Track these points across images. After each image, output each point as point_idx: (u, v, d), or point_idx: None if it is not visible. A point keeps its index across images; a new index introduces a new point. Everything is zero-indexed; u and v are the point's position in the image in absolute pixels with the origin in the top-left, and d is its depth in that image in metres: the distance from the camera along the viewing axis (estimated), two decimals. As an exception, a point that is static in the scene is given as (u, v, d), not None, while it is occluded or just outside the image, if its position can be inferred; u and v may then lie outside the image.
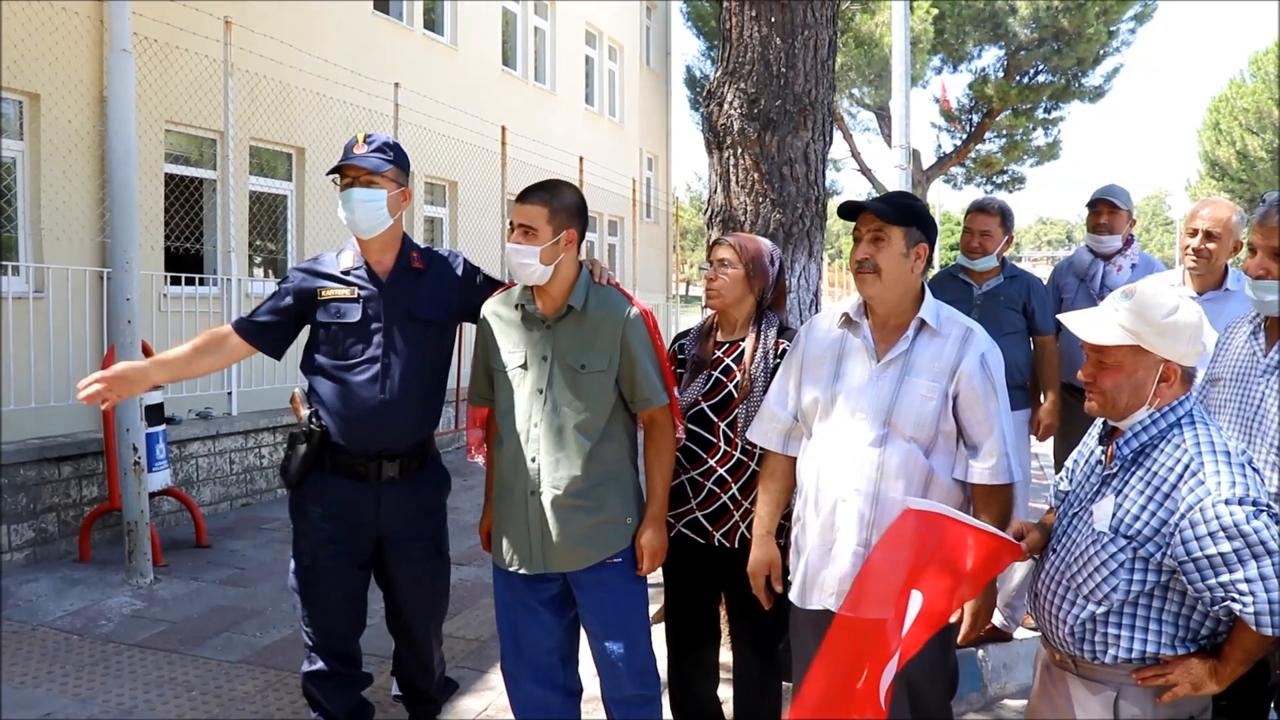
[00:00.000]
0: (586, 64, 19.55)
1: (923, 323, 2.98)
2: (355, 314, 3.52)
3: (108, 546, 6.63)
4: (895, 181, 11.03)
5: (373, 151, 3.51)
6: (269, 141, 10.53)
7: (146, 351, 6.51)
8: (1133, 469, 2.47)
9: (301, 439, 3.55)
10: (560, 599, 3.33)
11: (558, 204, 3.20)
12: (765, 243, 3.57)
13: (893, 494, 2.90)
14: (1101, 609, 2.44)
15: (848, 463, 2.97)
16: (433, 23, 14.37)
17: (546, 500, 3.21)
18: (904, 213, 2.95)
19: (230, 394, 8.44)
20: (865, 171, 25.14)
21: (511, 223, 3.20)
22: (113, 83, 5.94)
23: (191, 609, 5.66)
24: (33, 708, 4.36)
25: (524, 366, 3.26)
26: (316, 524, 3.60)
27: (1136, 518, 2.39)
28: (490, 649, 5.07)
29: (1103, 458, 2.61)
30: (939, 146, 26.07)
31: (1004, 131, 25.19)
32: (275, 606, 5.68)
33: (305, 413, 3.58)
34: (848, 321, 3.10)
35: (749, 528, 3.37)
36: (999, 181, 26.44)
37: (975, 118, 24.83)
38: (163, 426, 6.69)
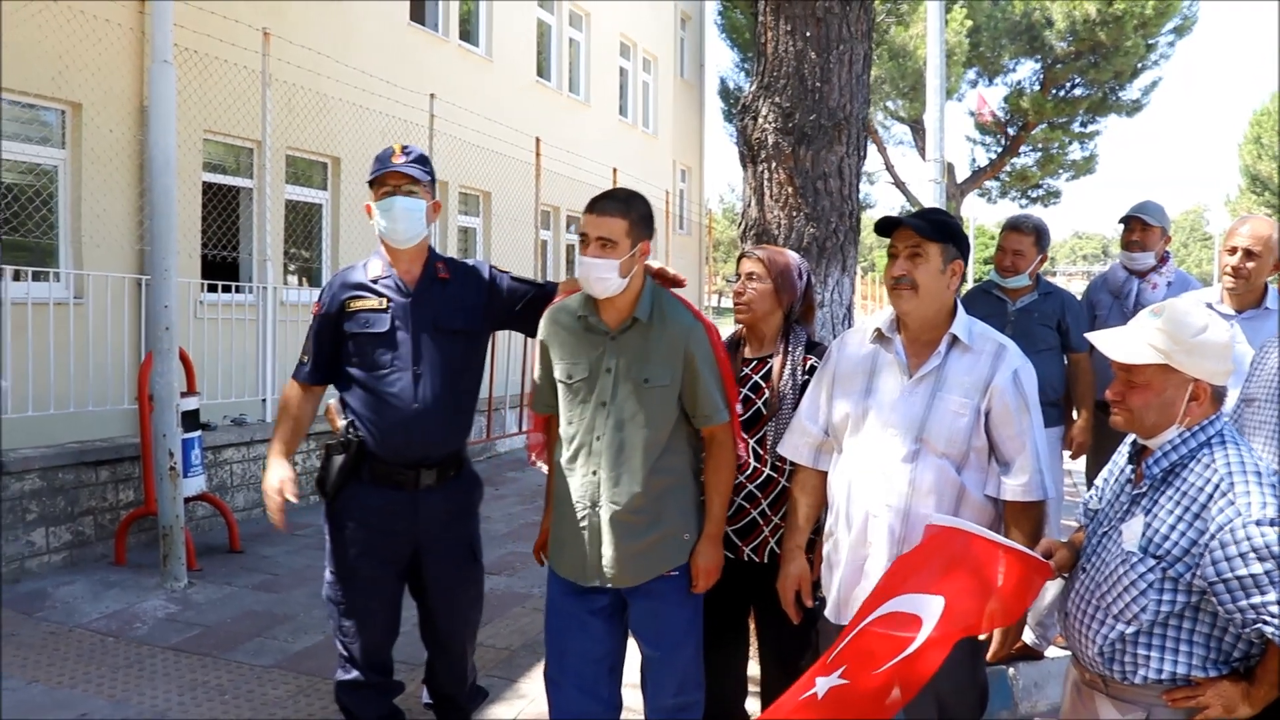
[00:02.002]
0: (620, 75, 19.62)
1: (955, 338, 2.98)
2: (383, 324, 3.55)
3: (143, 550, 6.70)
4: (930, 195, 10.98)
5: (411, 162, 3.56)
6: (305, 151, 10.64)
7: (183, 358, 6.60)
8: (1162, 488, 2.46)
9: (339, 449, 3.58)
10: (611, 609, 3.31)
11: (635, 215, 3.16)
12: (793, 256, 3.58)
13: (924, 510, 2.90)
14: (1131, 629, 2.43)
15: (879, 478, 2.98)
16: (468, 34, 14.46)
17: (606, 515, 3.19)
18: (941, 229, 2.95)
19: (264, 400, 8.53)
20: (899, 185, 25.05)
21: (584, 234, 3.15)
22: (154, 92, 6.02)
23: (225, 613, 5.71)
24: (69, 708, 4.41)
25: (586, 379, 3.23)
26: (354, 535, 3.63)
27: (1166, 537, 2.38)
28: (521, 658, 5.10)
29: (1132, 476, 2.60)
30: (973, 160, 25.96)
31: (1039, 145, 25.04)
32: (307, 612, 5.72)
33: (342, 423, 3.61)
34: (880, 337, 3.10)
35: (778, 543, 3.38)
36: (1034, 196, 26.30)
37: (1011, 131, 24.69)
38: (198, 432, 6.77)
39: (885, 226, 3.02)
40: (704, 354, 3.20)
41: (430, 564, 3.71)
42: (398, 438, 3.54)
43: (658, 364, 3.18)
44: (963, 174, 25.35)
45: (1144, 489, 2.50)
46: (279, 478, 3.58)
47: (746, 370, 3.52)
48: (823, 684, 2.64)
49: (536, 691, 4.66)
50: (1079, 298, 5.44)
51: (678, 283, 3.39)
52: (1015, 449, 2.95)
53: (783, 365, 3.44)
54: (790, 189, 4.58)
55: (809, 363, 3.41)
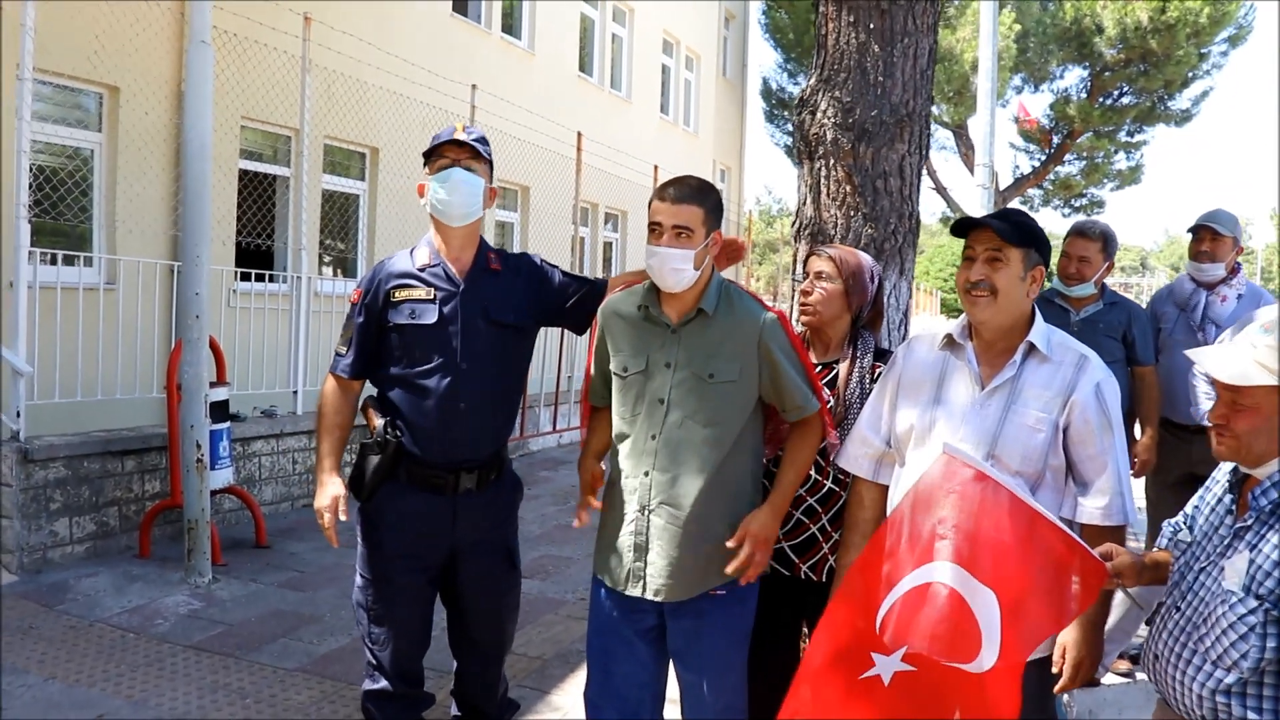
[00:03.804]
0: (663, 73, 19.39)
1: (1032, 347, 2.76)
2: (431, 315, 3.34)
3: (168, 543, 6.56)
4: (977, 201, 10.72)
5: (474, 139, 3.38)
6: (343, 140, 10.51)
7: (214, 347, 6.45)
8: (1271, 522, 2.21)
9: (375, 449, 3.36)
10: (658, 631, 3.08)
11: (710, 203, 2.97)
12: (865, 257, 3.35)
13: None
14: (1232, 676, 2.19)
15: None
16: (510, 26, 14.30)
17: (660, 519, 2.97)
18: (1024, 233, 2.73)
19: (295, 392, 8.36)
20: (941, 190, 24.68)
21: (656, 222, 2.94)
22: (191, 75, 5.88)
23: (249, 612, 5.54)
24: (87, 707, 4.26)
25: (644, 373, 3.01)
26: (388, 539, 3.43)
27: (1270, 574, 2.14)
28: (554, 668, 4.89)
29: (1233, 507, 2.35)
30: (1016, 167, 25.57)
31: (1084, 154, 24.61)
32: (334, 614, 5.54)
33: (380, 422, 3.38)
34: (950, 343, 2.88)
35: (838, 560, 3.16)
36: (1077, 205, 25.86)
37: (1056, 139, 24.29)
38: (227, 424, 6.61)
39: (964, 227, 2.80)
40: (780, 344, 2.97)
41: (466, 570, 3.51)
42: (439, 438, 3.34)
43: (725, 358, 2.95)
44: (1005, 181, 24.95)
45: (1248, 522, 2.25)
46: (331, 495, 3.40)
47: None
48: (885, 665, 2.50)
49: (569, 704, 4.46)
50: (1144, 314, 5.20)
51: (737, 253, 3.26)
52: (1096, 469, 2.73)
53: (849, 372, 3.22)
54: (849, 187, 4.35)
55: (878, 371, 3.18)
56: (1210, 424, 2.34)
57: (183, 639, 5.09)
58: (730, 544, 2.92)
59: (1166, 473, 5.04)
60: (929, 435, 2.83)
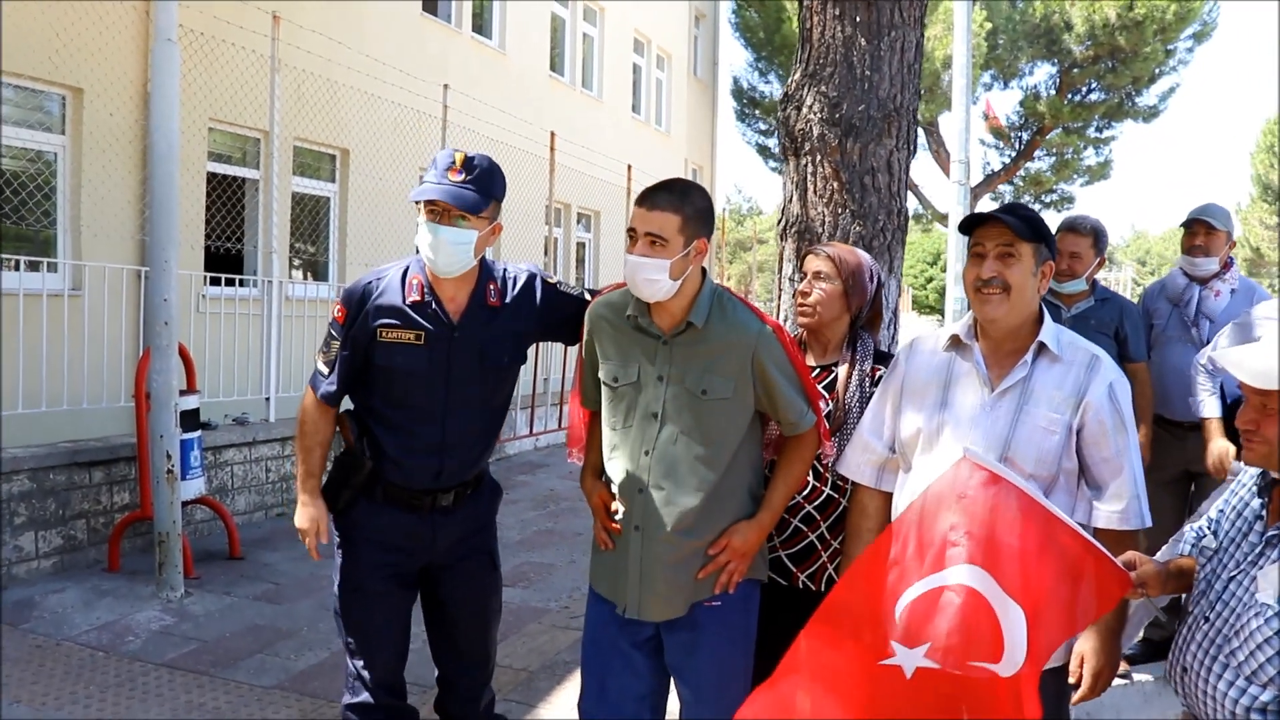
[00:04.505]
0: (634, 72, 19.27)
1: (1043, 347, 2.66)
2: (420, 361, 3.11)
3: (138, 555, 6.37)
4: (953, 196, 10.63)
5: (470, 180, 3.03)
6: (313, 142, 10.33)
7: (183, 354, 6.28)
8: None
9: (350, 466, 3.22)
10: (656, 643, 2.95)
11: (691, 210, 2.77)
12: (865, 256, 3.23)
13: None
14: (1268, 694, 2.09)
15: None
16: (481, 26, 14.15)
17: (652, 538, 2.84)
18: (1035, 228, 2.64)
19: (268, 399, 8.17)
20: (912, 187, 24.72)
21: (632, 230, 2.78)
22: (156, 74, 5.69)
23: (224, 627, 5.37)
24: (54, 732, 4.10)
25: (635, 384, 2.86)
26: (364, 551, 3.28)
27: None
28: (540, 680, 4.76)
29: (1263, 513, 2.25)
30: (987, 164, 25.58)
31: (1054, 150, 24.70)
32: (311, 627, 5.38)
33: (355, 439, 3.24)
34: (956, 344, 2.78)
35: (837, 569, 3.06)
36: (1047, 201, 25.94)
37: (1025, 135, 24.35)
38: (198, 433, 6.43)
39: (973, 223, 2.70)
40: (775, 359, 2.83)
41: (448, 579, 3.39)
42: (417, 471, 3.20)
43: (718, 374, 2.81)
44: (976, 178, 24.98)
45: None
46: (311, 518, 3.23)
47: None
48: (907, 658, 2.41)
49: (558, 717, 4.34)
50: (1135, 310, 5.13)
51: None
52: (1110, 472, 2.64)
53: (849, 376, 3.10)
54: (836, 184, 4.25)
55: (878, 374, 3.07)
56: (1240, 429, 2.25)
57: (155, 657, 4.91)
58: (710, 551, 2.83)
59: (1162, 471, 4.96)
60: (937, 439, 2.73)
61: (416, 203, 3.07)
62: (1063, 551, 2.31)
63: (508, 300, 3.23)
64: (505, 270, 3.30)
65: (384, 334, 3.13)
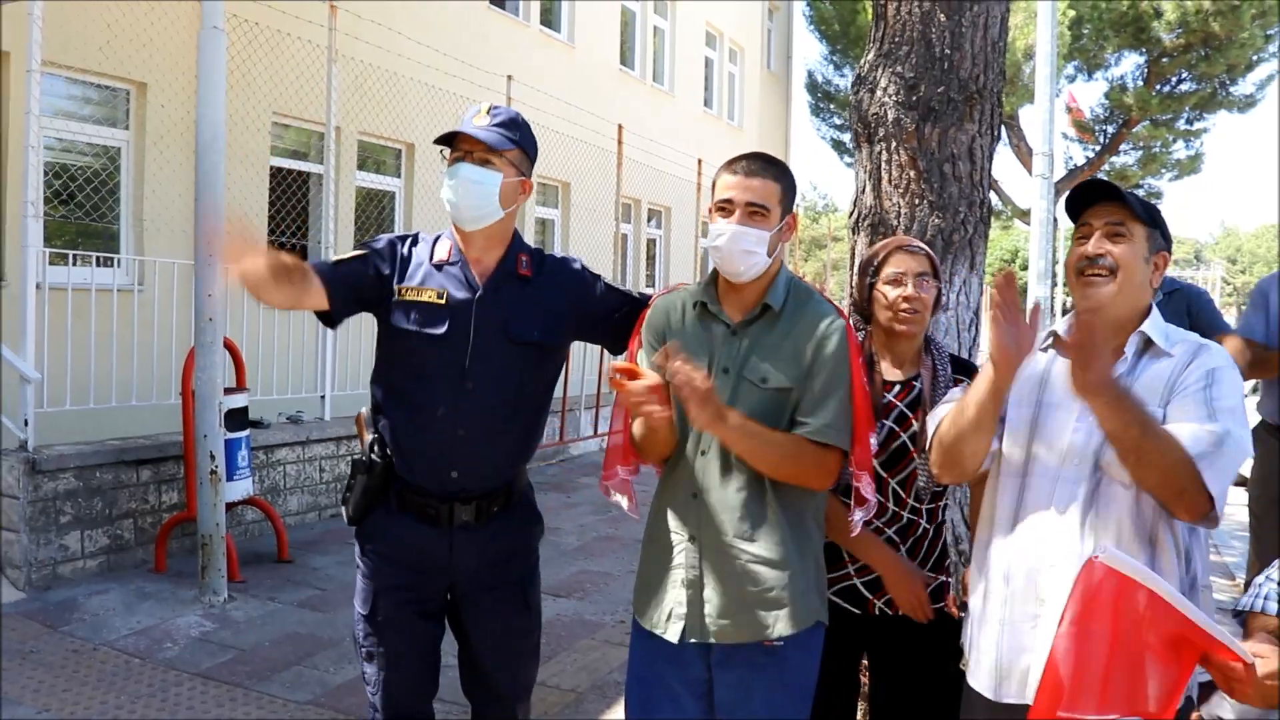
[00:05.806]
0: (706, 65, 18.95)
1: (1147, 340, 2.32)
2: (440, 325, 2.84)
3: (185, 556, 6.22)
4: (1037, 191, 10.21)
5: (495, 125, 2.85)
6: (377, 136, 10.20)
7: (232, 350, 6.14)
8: None
9: (363, 468, 2.96)
10: (707, 685, 2.63)
11: (787, 181, 2.56)
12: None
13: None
14: None
15: (1050, 515, 2.32)
16: (549, 19, 13.95)
17: (709, 547, 2.54)
18: (1150, 211, 2.31)
19: (324, 397, 8.00)
20: (991, 182, 24.07)
21: (727, 200, 2.51)
22: (203, 62, 5.52)
23: (263, 635, 5.19)
24: (78, 746, 3.93)
25: None
26: (380, 568, 2.97)
27: None
28: (590, 701, 4.49)
29: None
30: (1069, 158, 24.75)
31: (1141, 143, 23.81)
32: (353, 638, 5.17)
33: (369, 438, 2.99)
34: (1055, 341, 2.44)
35: None
36: (1134, 197, 25.11)
37: (1110, 129, 23.50)
38: (246, 432, 6.27)
39: (1082, 198, 2.36)
40: (832, 352, 2.51)
41: (470, 610, 3.02)
42: (431, 466, 2.88)
43: (781, 362, 2.52)
44: (1058, 173, 24.19)
45: None
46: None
47: (890, 397, 2.84)
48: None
49: (603, 745, 4.08)
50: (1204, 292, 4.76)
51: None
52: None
53: (933, 390, 2.78)
54: (913, 172, 3.91)
55: (961, 386, 2.73)
56: None
57: (190, 666, 4.74)
58: (657, 359, 2.43)
59: (1269, 484, 4.53)
60: (1036, 437, 2.38)
61: (443, 156, 2.89)
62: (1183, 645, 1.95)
63: (541, 273, 2.97)
64: (542, 248, 3.06)
65: (404, 291, 2.89)
